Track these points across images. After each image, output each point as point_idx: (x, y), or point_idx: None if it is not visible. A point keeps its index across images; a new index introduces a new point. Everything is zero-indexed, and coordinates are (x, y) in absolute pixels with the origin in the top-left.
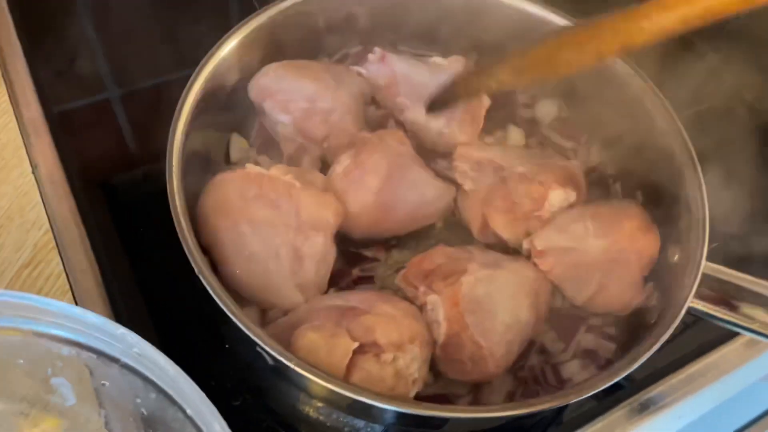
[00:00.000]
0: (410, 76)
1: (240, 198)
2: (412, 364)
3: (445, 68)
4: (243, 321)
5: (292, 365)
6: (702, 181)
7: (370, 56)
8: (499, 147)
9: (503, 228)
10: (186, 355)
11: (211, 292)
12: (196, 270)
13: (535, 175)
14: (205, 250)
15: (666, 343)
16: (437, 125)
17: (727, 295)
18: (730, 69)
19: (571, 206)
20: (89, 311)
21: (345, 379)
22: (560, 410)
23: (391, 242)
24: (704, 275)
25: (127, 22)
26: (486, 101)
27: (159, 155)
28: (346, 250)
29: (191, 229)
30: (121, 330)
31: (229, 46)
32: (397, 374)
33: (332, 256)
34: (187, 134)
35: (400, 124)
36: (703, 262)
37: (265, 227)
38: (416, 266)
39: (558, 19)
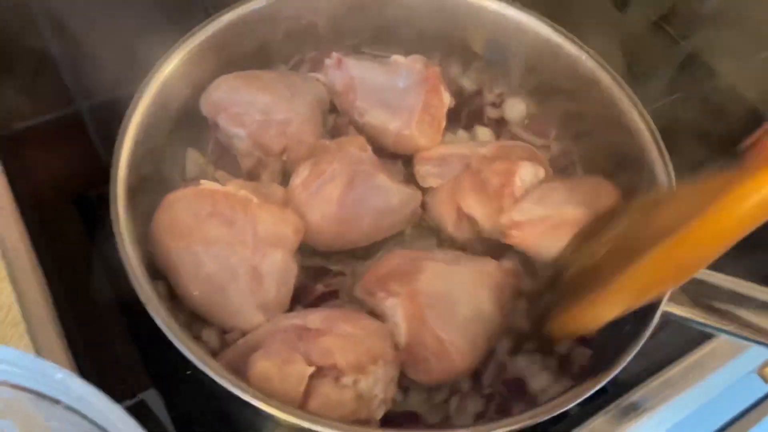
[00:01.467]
0: (367, 80)
1: (192, 217)
2: (375, 386)
3: (405, 67)
4: (194, 353)
5: (246, 397)
6: (673, 178)
7: (327, 61)
8: (459, 142)
9: (477, 208)
10: (151, 381)
11: (159, 324)
12: (142, 301)
13: (499, 154)
14: (161, 273)
15: (646, 343)
16: (395, 127)
17: (702, 297)
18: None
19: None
20: (25, 353)
21: (302, 406)
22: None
23: (357, 253)
24: None
25: (88, 34)
26: (447, 99)
27: None
28: (310, 265)
29: (138, 256)
30: (60, 374)
31: (175, 60)
32: (359, 397)
33: (293, 273)
34: (136, 154)
35: (360, 130)
36: None
37: (220, 246)
38: (373, 273)
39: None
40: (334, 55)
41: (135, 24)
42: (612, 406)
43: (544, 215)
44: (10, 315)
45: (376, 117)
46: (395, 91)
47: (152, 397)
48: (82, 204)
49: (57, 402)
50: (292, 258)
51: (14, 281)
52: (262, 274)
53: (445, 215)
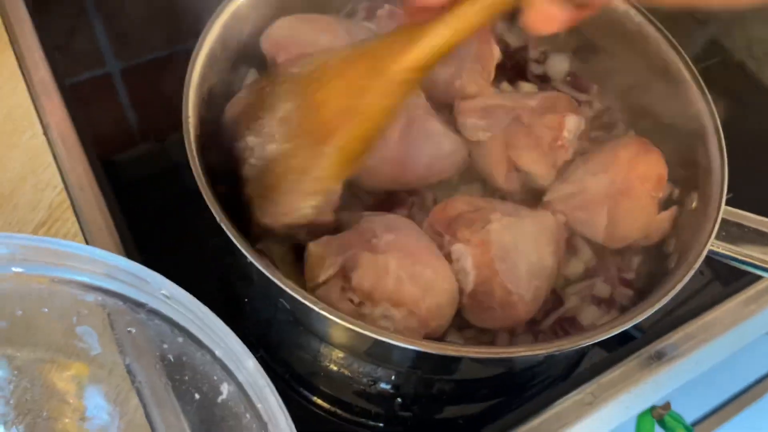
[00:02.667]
0: None
1: (245, 108)
2: (382, 321)
3: None
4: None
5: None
6: (719, 125)
7: (380, 12)
8: (499, 93)
9: (534, 164)
10: None
11: (233, 239)
12: (217, 218)
13: (547, 106)
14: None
15: (680, 293)
16: (445, 76)
17: (746, 239)
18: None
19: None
20: (116, 255)
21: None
22: (575, 362)
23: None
24: (724, 220)
25: None
26: (497, 53)
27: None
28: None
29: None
30: (148, 272)
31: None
32: (358, 314)
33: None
34: (203, 79)
35: None
36: (722, 206)
37: (268, 138)
38: (439, 213)
39: None
40: (387, 6)
41: None
42: (639, 353)
43: (570, 192)
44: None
45: None
46: None
47: None
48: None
49: (142, 306)
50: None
51: (78, 212)
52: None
53: (495, 169)
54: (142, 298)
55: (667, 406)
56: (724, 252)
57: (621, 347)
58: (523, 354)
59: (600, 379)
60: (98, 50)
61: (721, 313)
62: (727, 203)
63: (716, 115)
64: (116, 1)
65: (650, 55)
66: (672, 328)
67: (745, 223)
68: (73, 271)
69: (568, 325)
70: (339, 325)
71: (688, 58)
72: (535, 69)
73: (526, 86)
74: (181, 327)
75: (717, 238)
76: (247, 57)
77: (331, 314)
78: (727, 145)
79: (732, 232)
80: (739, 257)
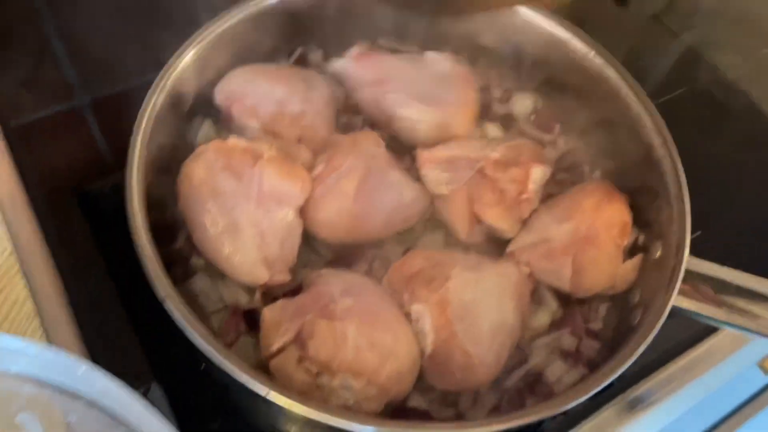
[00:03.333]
0: (400, 72)
1: (207, 170)
2: (341, 391)
3: (438, 62)
4: (215, 347)
5: (269, 395)
6: (681, 172)
7: (352, 51)
8: (460, 141)
9: (500, 220)
10: (163, 377)
11: (177, 320)
12: (160, 297)
13: (512, 157)
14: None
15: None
16: (408, 123)
17: (711, 291)
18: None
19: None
20: (47, 347)
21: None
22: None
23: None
24: (688, 272)
25: (93, 27)
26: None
27: None
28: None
29: (151, 242)
30: (83, 367)
31: (191, 52)
32: (315, 386)
33: (298, 231)
34: (150, 148)
35: (386, 124)
36: (686, 257)
37: (226, 200)
38: (398, 271)
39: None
40: (358, 47)
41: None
42: (618, 399)
43: (535, 241)
44: (24, 309)
45: (411, 108)
46: (428, 85)
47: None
48: (80, 199)
49: (78, 397)
50: (297, 215)
51: (28, 275)
52: (264, 229)
53: (458, 223)
54: (78, 389)
55: None
56: (687, 308)
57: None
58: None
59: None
60: (67, 83)
61: (701, 353)
62: (697, 240)
63: (678, 163)
64: (81, 33)
65: (612, 96)
66: (648, 373)
67: (710, 274)
68: (8, 361)
69: (534, 383)
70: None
71: (651, 103)
72: (498, 108)
73: (490, 127)
74: (119, 419)
75: (681, 292)
76: (203, 108)
77: (269, 395)
78: (696, 177)
79: (696, 285)
80: (703, 312)
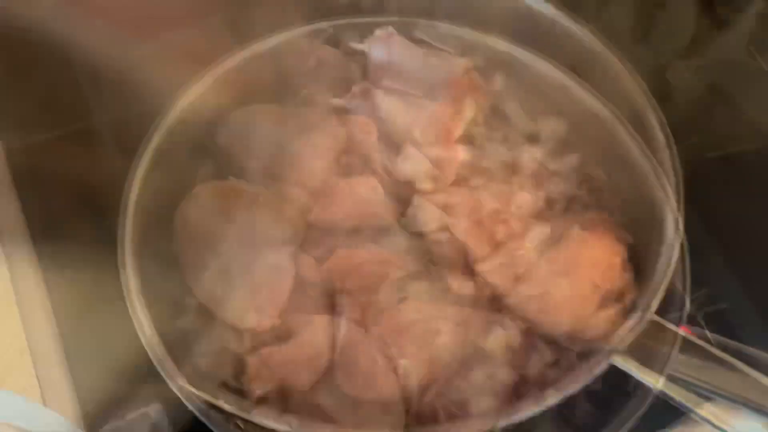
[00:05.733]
0: (394, 114)
1: (200, 212)
2: None
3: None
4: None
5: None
6: (680, 221)
7: (354, 89)
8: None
9: (497, 278)
10: None
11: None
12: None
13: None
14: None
15: None
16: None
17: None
18: None
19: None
20: (33, 404)
21: None
22: None
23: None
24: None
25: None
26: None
27: None
28: None
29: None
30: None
31: (194, 91)
32: None
33: (290, 275)
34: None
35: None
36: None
37: (220, 243)
38: (387, 325)
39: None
40: (360, 85)
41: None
42: None
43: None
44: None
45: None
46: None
47: None
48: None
49: None
50: (289, 259)
51: (24, 318)
52: (255, 273)
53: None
54: None
55: None
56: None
57: None
58: None
59: None
60: None
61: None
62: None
63: (679, 224)
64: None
65: (611, 142)
66: None
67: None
68: None
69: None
70: None
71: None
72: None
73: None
74: None
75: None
76: (204, 147)
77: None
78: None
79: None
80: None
